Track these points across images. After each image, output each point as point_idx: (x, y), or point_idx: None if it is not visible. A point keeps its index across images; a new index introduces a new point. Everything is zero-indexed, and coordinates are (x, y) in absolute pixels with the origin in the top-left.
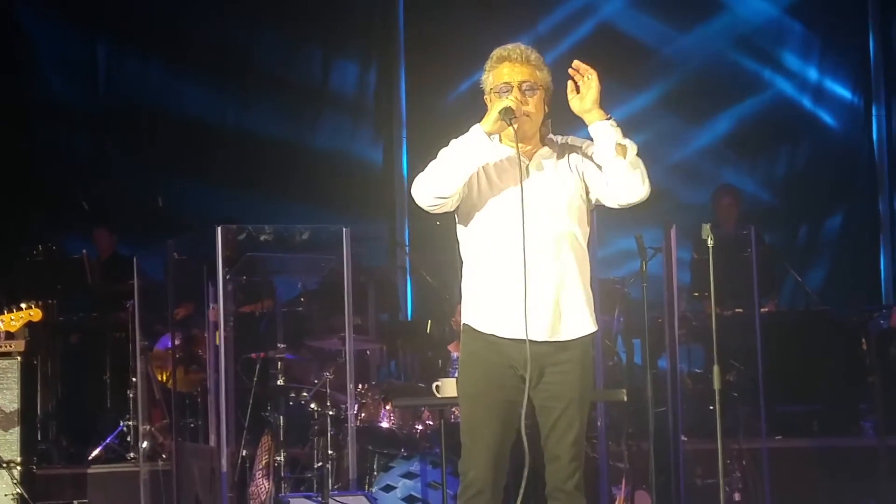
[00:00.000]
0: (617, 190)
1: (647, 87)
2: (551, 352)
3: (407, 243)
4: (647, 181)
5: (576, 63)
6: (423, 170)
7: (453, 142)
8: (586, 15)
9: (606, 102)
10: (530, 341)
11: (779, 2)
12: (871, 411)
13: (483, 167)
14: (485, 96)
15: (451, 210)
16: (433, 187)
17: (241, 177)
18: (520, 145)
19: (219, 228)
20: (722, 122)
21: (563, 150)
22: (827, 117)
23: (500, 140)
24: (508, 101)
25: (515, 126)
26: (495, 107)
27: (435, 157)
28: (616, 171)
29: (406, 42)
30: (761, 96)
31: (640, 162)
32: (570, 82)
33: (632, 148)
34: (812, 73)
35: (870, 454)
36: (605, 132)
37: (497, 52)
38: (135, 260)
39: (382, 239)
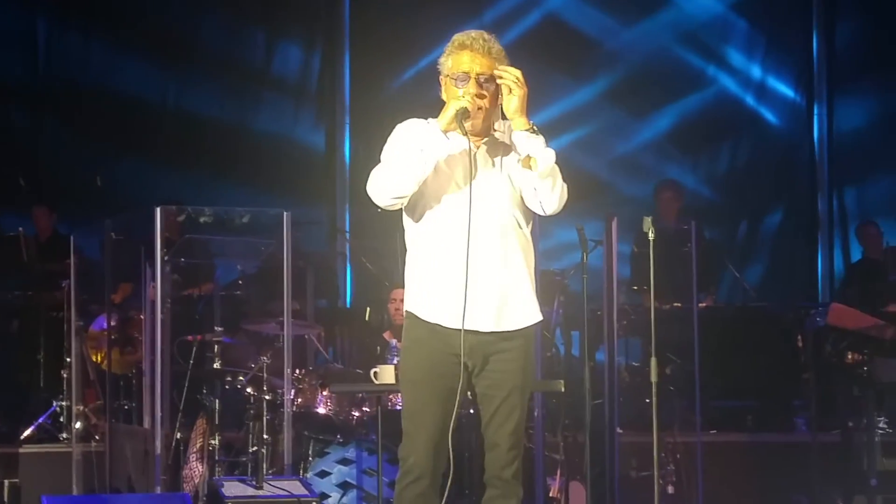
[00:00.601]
0: (526, 198)
1: (592, 80)
2: (496, 341)
3: (347, 229)
4: (557, 195)
5: (500, 69)
6: (367, 157)
7: (399, 127)
8: (532, 6)
9: (551, 93)
10: (476, 332)
11: None
12: (804, 408)
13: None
14: (440, 77)
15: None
16: (391, 187)
17: (181, 157)
18: (471, 137)
19: (158, 209)
20: (665, 117)
21: (510, 140)
22: (769, 115)
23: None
24: (465, 101)
25: (468, 126)
26: (451, 105)
27: (379, 144)
28: (525, 180)
29: (351, 27)
30: (704, 92)
31: (555, 174)
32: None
33: (545, 160)
34: (755, 71)
35: (803, 450)
36: (520, 142)
37: (459, 37)
38: (71, 239)
39: (323, 224)
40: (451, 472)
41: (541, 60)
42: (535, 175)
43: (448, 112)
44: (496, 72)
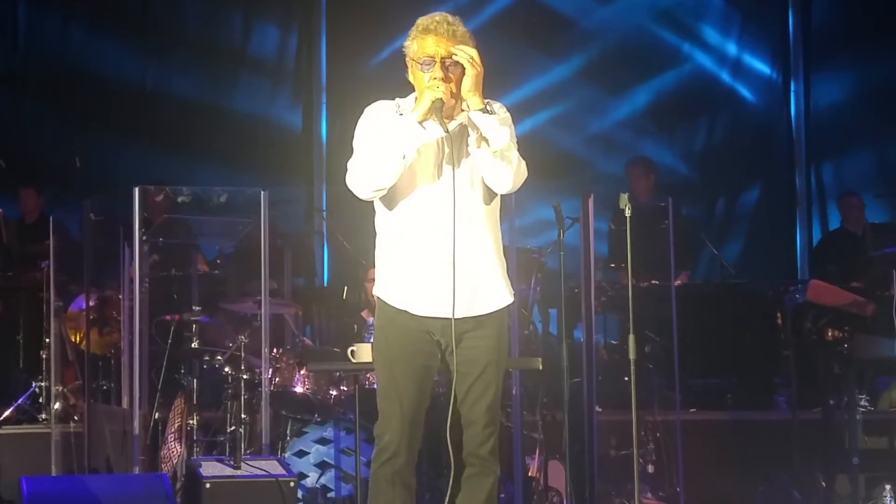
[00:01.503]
0: (484, 176)
1: (567, 58)
2: (469, 322)
3: (324, 208)
4: (511, 173)
5: (456, 48)
6: (343, 136)
7: (368, 111)
8: None
9: (527, 71)
10: (445, 318)
11: None
12: (784, 385)
13: None
14: (407, 60)
15: None
16: (372, 181)
17: (159, 138)
18: (446, 125)
19: (136, 189)
20: (641, 95)
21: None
22: (745, 92)
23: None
24: (440, 92)
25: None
26: (426, 97)
27: (355, 123)
28: (480, 159)
29: (327, 6)
30: (680, 69)
31: (509, 153)
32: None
33: (498, 139)
34: (731, 48)
35: (783, 428)
36: (475, 121)
37: (423, 21)
38: (50, 220)
39: (300, 203)
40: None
41: (516, 39)
42: (488, 153)
43: (423, 104)
44: (452, 49)
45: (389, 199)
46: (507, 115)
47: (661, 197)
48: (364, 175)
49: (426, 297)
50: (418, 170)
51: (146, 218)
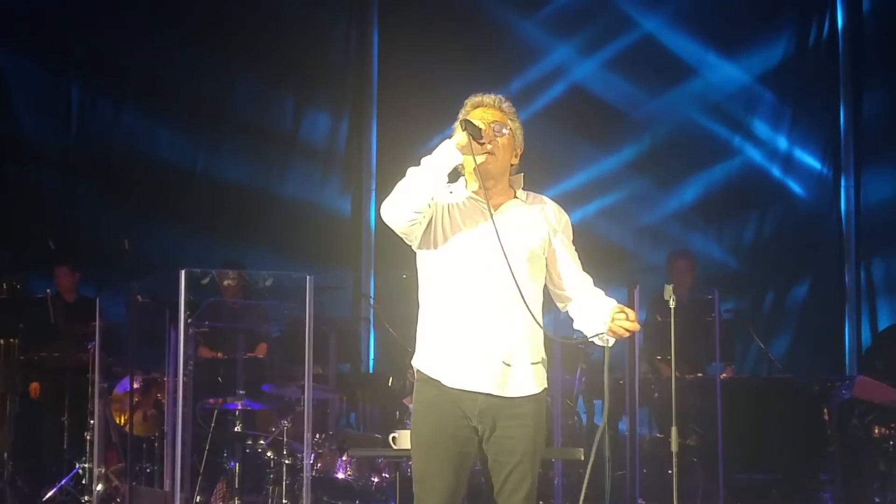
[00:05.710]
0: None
1: (618, 149)
2: (504, 406)
3: (372, 295)
4: None
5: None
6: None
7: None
8: (559, 76)
9: (577, 162)
10: (478, 393)
11: (750, 70)
12: (830, 482)
13: (448, 208)
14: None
15: (417, 243)
16: (405, 199)
17: (209, 222)
18: (486, 186)
19: (182, 272)
20: (691, 187)
21: (533, 206)
22: (795, 186)
23: (466, 185)
24: (476, 121)
25: (482, 142)
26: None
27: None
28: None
29: (379, 95)
30: (730, 163)
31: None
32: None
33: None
34: (782, 142)
35: None
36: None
37: (472, 98)
38: (97, 301)
39: (347, 289)
40: None
41: (567, 129)
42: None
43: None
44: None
45: (429, 265)
46: (567, 219)
47: (701, 289)
48: (397, 195)
49: (459, 370)
50: (458, 236)
51: (192, 301)
